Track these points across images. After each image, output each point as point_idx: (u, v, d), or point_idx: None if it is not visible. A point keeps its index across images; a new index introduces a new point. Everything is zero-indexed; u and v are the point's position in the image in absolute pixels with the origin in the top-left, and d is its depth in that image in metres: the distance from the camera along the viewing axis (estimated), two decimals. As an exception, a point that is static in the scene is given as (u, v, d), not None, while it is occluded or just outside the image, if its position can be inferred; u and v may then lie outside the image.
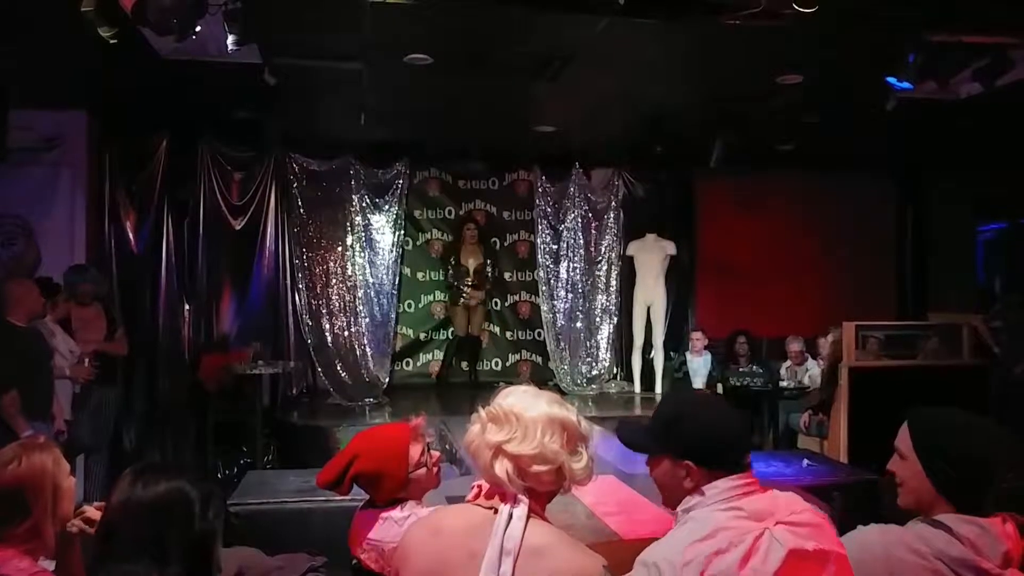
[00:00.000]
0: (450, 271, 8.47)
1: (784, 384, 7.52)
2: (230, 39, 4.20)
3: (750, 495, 1.71)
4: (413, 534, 1.73)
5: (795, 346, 7.60)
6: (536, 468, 1.62)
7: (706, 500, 1.71)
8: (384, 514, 2.25)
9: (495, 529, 1.59)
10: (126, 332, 6.16)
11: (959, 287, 8.76)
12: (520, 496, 1.62)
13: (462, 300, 8.42)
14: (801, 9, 4.14)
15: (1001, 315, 6.42)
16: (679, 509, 1.76)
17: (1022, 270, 6.71)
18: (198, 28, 3.85)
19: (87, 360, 5.46)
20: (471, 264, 8.38)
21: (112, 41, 3.74)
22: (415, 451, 2.29)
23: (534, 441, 1.62)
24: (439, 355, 8.78)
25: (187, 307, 7.71)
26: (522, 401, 1.67)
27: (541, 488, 1.66)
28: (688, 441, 1.73)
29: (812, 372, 7.44)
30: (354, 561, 2.30)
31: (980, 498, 1.82)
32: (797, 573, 1.59)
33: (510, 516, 1.60)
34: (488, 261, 8.55)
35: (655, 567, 1.62)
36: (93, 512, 2.09)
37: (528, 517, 1.61)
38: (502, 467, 1.62)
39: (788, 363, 7.67)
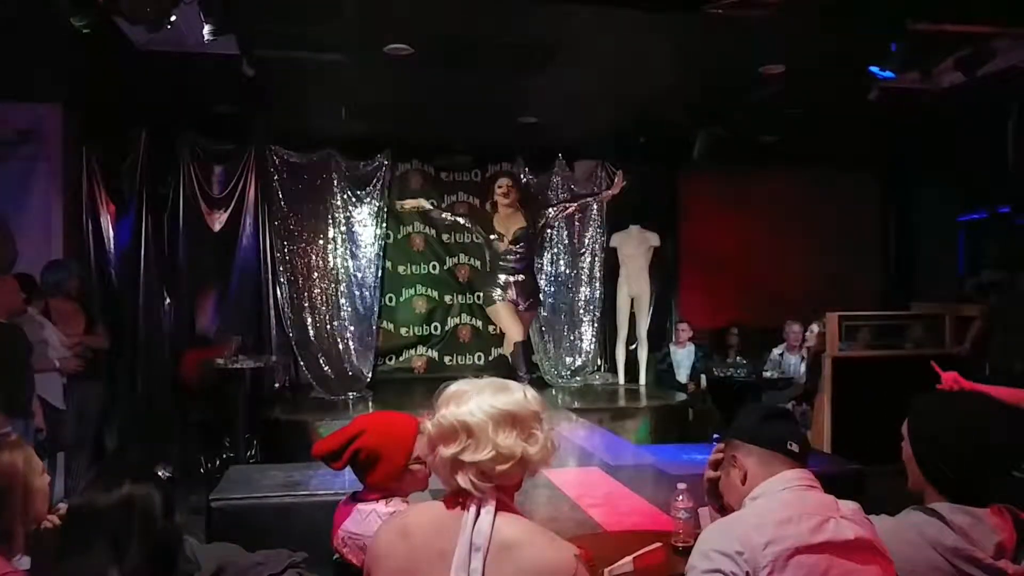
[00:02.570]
0: (485, 253, 6.97)
1: (768, 375, 7.53)
2: (206, 29, 4.14)
3: (813, 490, 1.78)
4: (382, 536, 1.70)
5: (795, 327, 7.54)
6: (499, 468, 1.58)
7: (774, 486, 1.79)
8: (366, 507, 2.22)
9: (463, 526, 1.56)
10: (105, 326, 6.09)
11: (941, 277, 8.82)
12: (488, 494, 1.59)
13: (501, 291, 6.75)
14: (784, -2, 4.14)
15: (996, 309, 6.42)
16: (748, 498, 1.83)
17: (1002, 259, 6.76)
18: (173, 18, 3.79)
19: (77, 350, 5.41)
20: (511, 230, 6.71)
21: (85, 31, 3.68)
22: (419, 444, 2.26)
23: (488, 445, 1.57)
24: (423, 350, 8.73)
25: (167, 302, 7.63)
26: (465, 404, 1.60)
27: (508, 483, 1.63)
28: (744, 420, 1.92)
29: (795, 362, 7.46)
30: (335, 556, 2.28)
31: (970, 486, 1.81)
32: (862, 558, 1.65)
33: (478, 512, 1.57)
34: (533, 228, 6.87)
35: (717, 554, 1.66)
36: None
37: (496, 511, 1.58)
38: (464, 478, 1.58)
39: (780, 350, 7.62)
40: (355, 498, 2.31)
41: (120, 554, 1.61)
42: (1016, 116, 6.27)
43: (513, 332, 6.78)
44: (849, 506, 1.76)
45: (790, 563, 1.61)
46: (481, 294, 6.99)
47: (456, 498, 1.62)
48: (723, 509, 2.00)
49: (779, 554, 1.62)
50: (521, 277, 6.65)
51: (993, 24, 4.74)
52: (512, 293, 6.70)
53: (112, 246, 7.17)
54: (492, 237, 6.66)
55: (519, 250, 6.65)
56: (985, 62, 5.02)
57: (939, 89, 5.82)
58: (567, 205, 7.36)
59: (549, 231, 8.39)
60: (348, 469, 2.35)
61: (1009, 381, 5.90)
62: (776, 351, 7.61)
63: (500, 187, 6.72)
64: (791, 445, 1.83)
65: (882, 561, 1.68)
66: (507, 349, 6.76)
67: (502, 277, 6.73)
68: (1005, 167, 6.54)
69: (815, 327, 6.99)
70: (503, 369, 7.17)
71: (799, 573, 1.61)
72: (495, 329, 8.84)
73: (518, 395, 1.64)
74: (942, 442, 1.84)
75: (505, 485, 1.62)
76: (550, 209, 7.18)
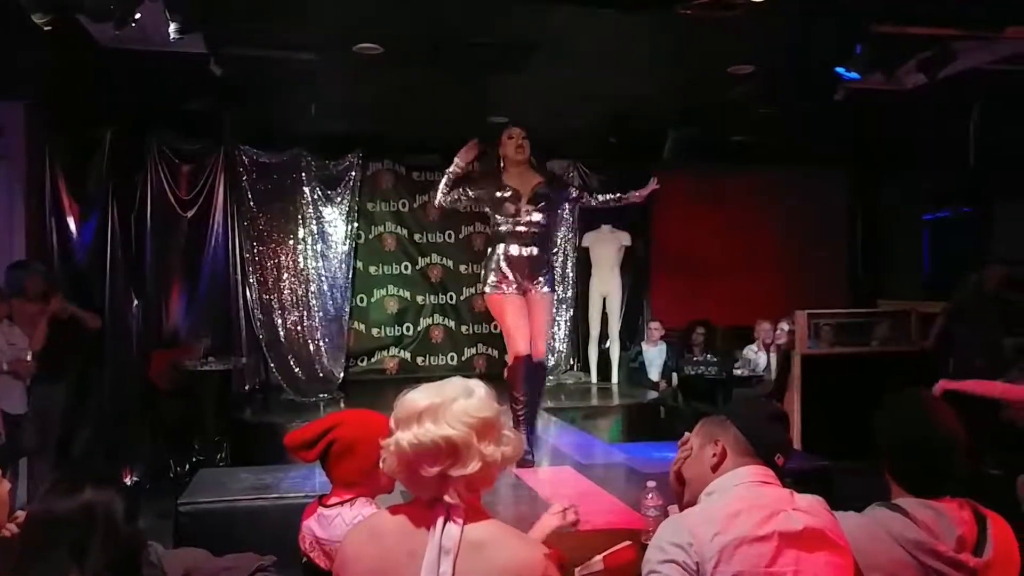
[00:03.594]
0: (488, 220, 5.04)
1: (739, 372, 7.59)
2: (172, 27, 4.08)
3: (770, 485, 1.80)
4: (351, 539, 1.68)
5: (766, 325, 7.60)
6: (485, 476, 1.58)
7: (728, 481, 1.80)
8: (330, 512, 2.20)
9: (433, 529, 1.55)
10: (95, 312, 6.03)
11: (907, 275, 8.96)
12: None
13: (509, 271, 4.71)
14: (753, -1, 4.17)
15: (956, 307, 6.57)
16: (703, 494, 1.84)
17: (965, 257, 6.90)
18: (138, 15, 3.74)
19: (30, 355, 5.31)
20: (529, 188, 4.79)
21: (47, 28, 3.62)
22: (385, 460, 2.24)
23: (475, 457, 1.55)
24: (395, 351, 8.67)
25: (135, 302, 7.52)
26: (443, 419, 1.55)
27: (487, 487, 1.63)
28: (748, 410, 1.94)
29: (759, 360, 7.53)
30: (304, 559, 2.26)
31: (930, 482, 1.85)
32: (811, 547, 1.67)
33: (447, 515, 1.56)
34: (556, 188, 5.05)
35: (670, 546, 1.68)
36: None
37: (465, 513, 1.57)
38: (452, 493, 1.57)
39: (754, 347, 7.67)
40: (320, 501, 2.29)
41: (80, 562, 1.58)
42: (977, 117, 6.39)
43: (519, 339, 4.65)
44: (807, 499, 1.79)
45: (736, 553, 1.64)
46: (481, 273, 5.03)
47: (425, 501, 1.61)
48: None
49: (725, 545, 1.64)
50: (535, 251, 4.79)
51: (954, 27, 4.81)
52: (519, 276, 4.72)
53: (77, 246, 7.06)
54: (501, 195, 4.77)
55: (539, 211, 4.77)
56: (946, 64, 5.11)
57: (903, 90, 5.91)
58: (588, 197, 5.42)
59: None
60: (319, 472, 2.33)
61: (971, 376, 6.07)
62: (750, 348, 7.68)
63: (511, 137, 4.86)
64: (778, 458, 1.86)
65: (834, 549, 1.70)
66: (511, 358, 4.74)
67: (513, 248, 4.74)
68: (967, 166, 6.66)
69: (785, 325, 7.07)
70: (466, 371, 7.11)
71: (746, 563, 1.63)
72: (468, 329, 8.82)
73: (483, 395, 1.61)
74: (901, 438, 1.88)
75: (482, 489, 1.62)
76: (572, 190, 5.38)
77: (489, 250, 4.95)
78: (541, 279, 4.80)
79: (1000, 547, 1.81)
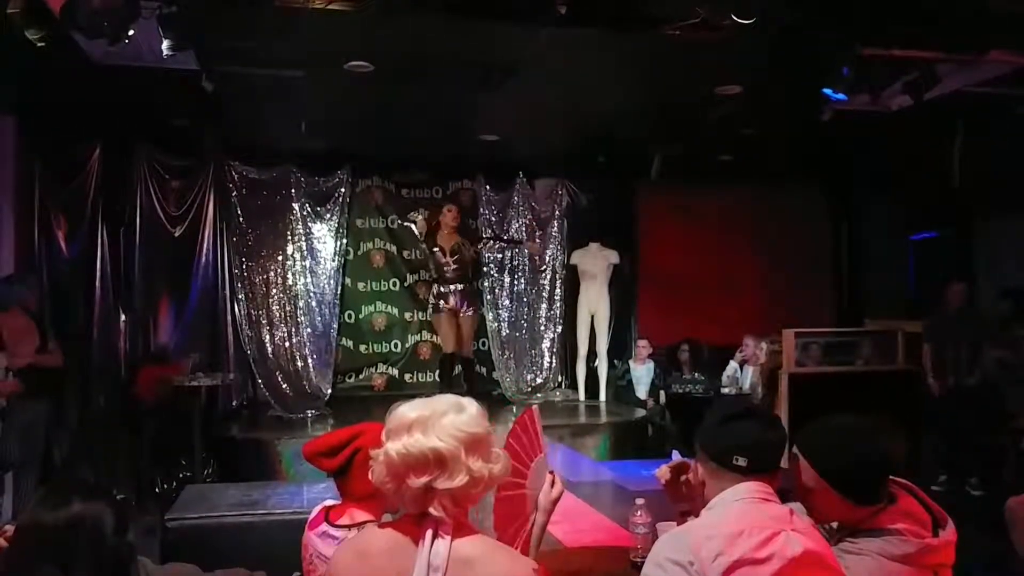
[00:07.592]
0: (429, 265, 7.71)
1: (726, 391, 7.60)
2: (165, 44, 4.11)
3: (768, 502, 1.78)
4: (339, 559, 1.67)
5: (751, 342, 7.61)
6: (471, 492, 1.58)
7: (726, 497, 1.79)
8: (340, 533, 2.16)
9: (421, 547, 1.54)
10: (59, 344, 5.94)
11: (892, 295, 9.02)
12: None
13: (443, 300, 7.45)
14: (740, 21, 4.23)
15: (932, 327, 6.65)
16: (704, 508, 1.85)
17: (948, 278, 6.96)
18: (131, 32, 3.75)
19: (11, 374, 5.25)
20: (450, 246, 7.40)
21: (41, 44, 3.63)
22: (374, 470, 2.21)
23: (461, 471, 1.55)
24: (383, 367, 8.67)
25: (123, 318, 7.50)
26: (432, 431, 1.56)
27: (474, 504, 1.62)
28: (706, 420, 1.89)
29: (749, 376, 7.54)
30: (295, 575, 2.25)
31: (879, 490, 1.87)
32: (809, 571, 1.66)
33: (435, 533, 1.55)
34: (467, 245, 7.59)
35: (670, 563, 1.67)
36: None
37: (453, 530, 1.56)
38: (437, 506, 1.57)
39: (733, 365, 7.67)
40: (328, 520, 2.23)
41: (68, 575, 1.56)
42: (961, 138, 6.48)
43: (445, 342, 7.58)
44: (804, 519, 1.79)
45: (736, 575, 1.63)
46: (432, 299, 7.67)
47: (412, 519, 1.60)
48: (684, 515, 2.02)
49: (726, 566, 1.64)
50: (460, 286, 7.44)
51: (938, 50, 4.89)
52: (453, 301, 7.40)
53: (66, 261, 7.04)
54: (435, 250, 7.41)
55: (455, 263, 7.38)
56: (930, 86, 5.19)
57: (889, 111, 5.99)
58: (494, 242, 8.35)
59: (508, 250, 8.63)
60: (307, 489, 2.32)
61: (946, 394, 6.17)
62: (733, 366, 7.69)
63: (450, 210, 7.50)
64: (737, 460, 1.80)
65: (829, 573, 1.69)
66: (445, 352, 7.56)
67: (442, 287, 7.45)
68: (951, 186, 6.75)
69: (764, 344, 7.11)
70: (451, 384, 7.21)
71: None
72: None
73: (475, 413, 1.62)
74: (853, 461, 1.85)
75: (468, 505, 1.62)
76: (480, 244, 8.10)
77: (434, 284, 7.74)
78: (465, 304, 7.46)
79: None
